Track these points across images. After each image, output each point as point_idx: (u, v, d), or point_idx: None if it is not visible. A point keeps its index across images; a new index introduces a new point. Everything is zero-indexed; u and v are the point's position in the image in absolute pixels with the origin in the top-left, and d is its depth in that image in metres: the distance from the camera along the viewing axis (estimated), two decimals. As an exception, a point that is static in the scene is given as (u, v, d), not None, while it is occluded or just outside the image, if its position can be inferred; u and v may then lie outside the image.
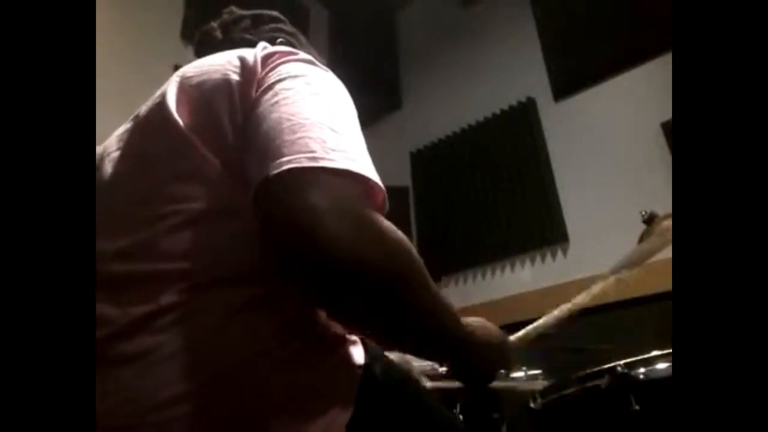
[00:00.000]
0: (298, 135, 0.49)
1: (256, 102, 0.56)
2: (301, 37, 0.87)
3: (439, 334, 0.55)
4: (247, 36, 0.80)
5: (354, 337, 0.60)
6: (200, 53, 0.80)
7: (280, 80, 0.57)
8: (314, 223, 0.44)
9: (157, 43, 2.46)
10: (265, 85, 0.57)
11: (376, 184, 0.51)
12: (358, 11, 3.63)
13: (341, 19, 3.76)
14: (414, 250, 0.51)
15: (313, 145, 0.48)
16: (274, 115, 0.52)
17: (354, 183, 0.49)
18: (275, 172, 0.47)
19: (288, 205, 0.46)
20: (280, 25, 0.85)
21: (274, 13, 0.87)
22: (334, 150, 0.49)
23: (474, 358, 0.60)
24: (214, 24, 0.85)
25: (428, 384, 1.30)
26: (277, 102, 0.54)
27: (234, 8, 0.87)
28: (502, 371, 0.68)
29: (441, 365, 0.66)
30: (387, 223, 0.49)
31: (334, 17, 3.79)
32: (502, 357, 0.66)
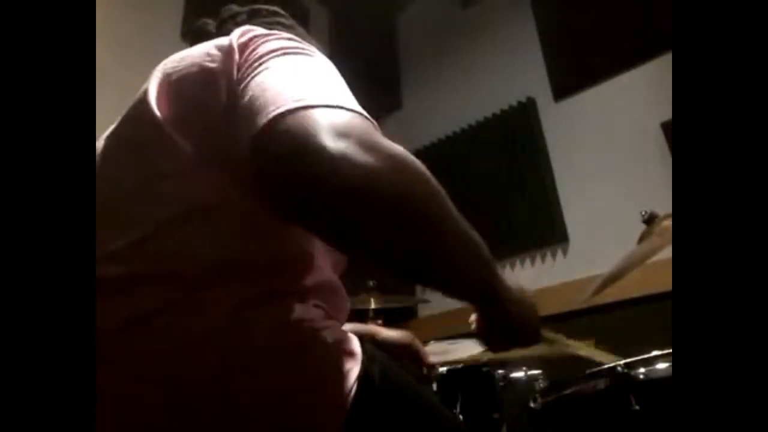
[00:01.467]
0: (283, 88, 0.48)
1: (238, 83, 0.54)
2: (300, 29, 0.86)
3: (464, 271, 0.52)
4: None
5: (352, 338, 0.59)
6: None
7: (260, 56, 0.56)
8: (320, 147, 0.42)
9: (157, 43, 2.45)
10: (245, 65, 0.56)
11: (369, 118, 0.49)
12: (358, 11, 3.63)
13: (341, 19, 3.75)
14: (430, 175, 0.48)
15: (300, 93, 0.47)
16: (257, 81, 0.51)
17: (349, 112, 0.47)
18: (264, 121, 0.45)
19: (283, 143, 0.44)
20: (277, 19, 0.84)
21: (273, 7, 0.86)
22: (321, 93, 0.47)
23: (506, 314, 0.58)
24: (210, 20, 0.84)
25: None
26: (258, 72, 0.53)
27: (233, 6, 0.86)
28: (530, 338, 0.65)
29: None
30: (395, 145, 0.47)
31: (334, 17, 3.79)
32: (534, 321, 0.63)
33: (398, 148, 0.46)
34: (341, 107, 0.47)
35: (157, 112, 0.57)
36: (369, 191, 0.43)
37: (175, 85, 0.59)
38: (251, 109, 0.48)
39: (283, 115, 0.44)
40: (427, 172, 0.48)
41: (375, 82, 3.38)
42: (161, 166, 0.54)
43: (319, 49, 0.75)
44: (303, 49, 0.59)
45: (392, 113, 3.43)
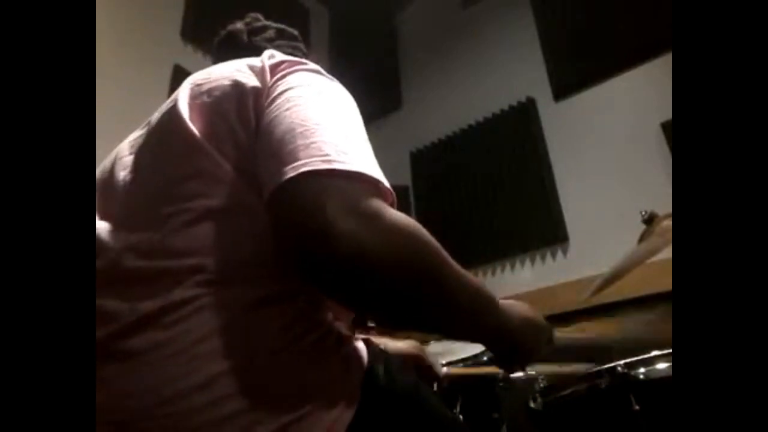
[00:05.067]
0: (311, 139, 0.51)
1: (266, 109, 0.57)
2: (312, 57, 0.90)
3: (470, 320, 0.57)
4: (269, 46, 0.83)
5: (358, 338, 0.60)
6: (222, 50, 0.86)
7: (290, 88, 0.58)
8: (328, 224, 0.45)
9: (157, 43, 2.46)
10: (275, 93, 0.58)
11: (385, 185, 0.53)
12: (358, 11, 3.63)
13: (341, 19, 3.76)
14: (432, 240, 0.52)
15: (326, 149, 0.50)
16: (287, 121, 0.54)
17: (365, 184, 0.51)
18: (291, 175, 0.48)
19: (303, 208, 0.48)
20: (298, 44, 0.91)
21: (296, 32, 0.93)
22: (345, 153, 0.51)
23: (511, 342, 0.63)
24: (240, 26, 0.89)
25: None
26: (288, 109, 0.56)
27: (259, 15, 0.92)
28: (541, 351, 0.72)
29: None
30: (400, 217, 0.50)
31: (334, 17, 3.80)
32: (539, 338, 0.68)
33: (404, 222, 0.50)
34: (357, 176, 0.50)
35: (187, 119, 0.59)
36: (369, 274, 0.47)
37: (206, 95, 0.62)
38: (278, 153, 0.51)
39: (304, 175, 0.48)
40: (429, 239, 0.51)
41: (375, 82, 3.38)
42: (188, 169, 0.57)
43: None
44: (329, 86, 0.62)
45: (392, 113, 3.43)
